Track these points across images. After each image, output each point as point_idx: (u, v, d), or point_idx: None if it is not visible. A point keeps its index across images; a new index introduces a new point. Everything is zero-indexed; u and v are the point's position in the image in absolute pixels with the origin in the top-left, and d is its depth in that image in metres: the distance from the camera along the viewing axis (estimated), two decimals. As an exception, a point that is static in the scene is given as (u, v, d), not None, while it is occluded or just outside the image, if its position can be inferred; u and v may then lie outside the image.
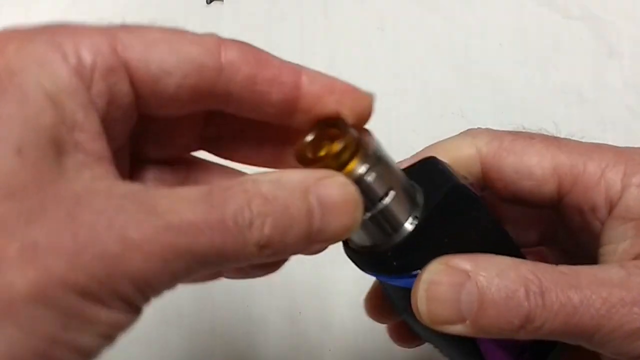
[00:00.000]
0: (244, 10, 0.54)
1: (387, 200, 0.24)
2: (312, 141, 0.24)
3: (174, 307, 0.46)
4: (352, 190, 0.22)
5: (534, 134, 0.28)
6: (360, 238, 0.25)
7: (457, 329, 0.24)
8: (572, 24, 0.52)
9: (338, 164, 0.23)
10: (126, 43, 0.21)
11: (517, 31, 0.52)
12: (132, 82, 0.21)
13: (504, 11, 0.53)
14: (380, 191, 0.24)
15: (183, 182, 0.27)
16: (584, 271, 0.24)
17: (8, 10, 0.55)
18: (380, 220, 0.24)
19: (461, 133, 0.29)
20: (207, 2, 0.54)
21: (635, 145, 0.27)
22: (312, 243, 0.21)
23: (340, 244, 0.26)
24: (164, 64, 0.21)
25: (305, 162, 0.23)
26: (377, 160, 0.24)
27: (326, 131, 0.24)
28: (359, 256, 0.26)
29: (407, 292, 0.25)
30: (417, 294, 0.24)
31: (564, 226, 0.28)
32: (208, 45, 0.22)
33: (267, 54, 0.24)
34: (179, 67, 0.21)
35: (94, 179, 0.19)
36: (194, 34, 0.22)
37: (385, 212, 0.24)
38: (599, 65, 0.51)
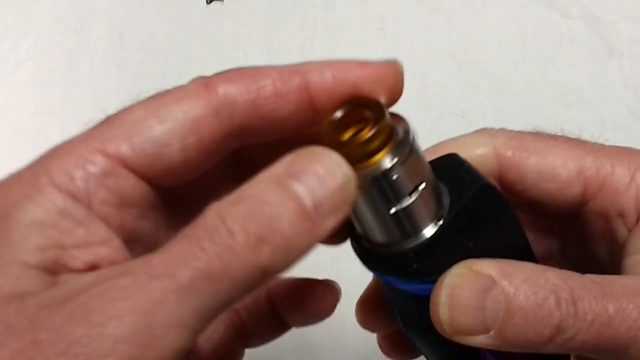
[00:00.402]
0: (244, 10, 0.54)
1: (414, 197, 0.22)
2: (339, 120, 0.21)
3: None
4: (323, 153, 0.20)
5: (555, 135, 0.26)
6: (376, 235, 0.23)
7: (480, 340, 0.22)
8: (572, 24, 0.52)
9: (365, 152, 0.21)
10: (110, 138, 0.20)
11: (517, 31, 0.52)
12: (136, 172, 0.20)
13: (504, 11, 0.53)
14: (407, 187, 0.21)
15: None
16: (616, 280, 0.22)
17: (8, 10, 0.55)
18: (403, 218, 0.22)
19: (477, 130, 0.27)
20: (207, 2, 0.54)
21: (636, 146, 0.27)
22: (315, 222, 0.19)
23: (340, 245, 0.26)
24: (156, 139, 0.20)
25: (327, 143, 0.21)
26: (409, 153, 0.21)
27: (358, 111, 0.21)
28: (371, 255, 0.23)
29: (421, 299, 0.23)
30: (439, 300, 0.22)
31: (579, 236, 0.27)
32: (193, 94, 0.21)
33: (259, 69, 0.22)
34: (173, 133, 0.20)
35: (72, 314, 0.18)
36: (176, 91, 0.21)
37: (410, 210, 0.22)
38: (599, 65, 0.51)
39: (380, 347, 0.31)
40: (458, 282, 0.22)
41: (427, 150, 0.26)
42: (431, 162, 0.23)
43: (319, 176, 0.19)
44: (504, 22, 0.52)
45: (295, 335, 0.45)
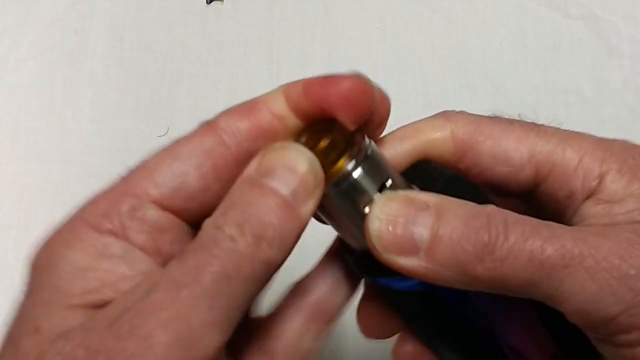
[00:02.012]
0: (244, 10, 0.54)
1: (387, 189, 0.23)
2: (304, 143, 0.24)
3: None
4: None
5: (512, 119, 0.27)
6: (360, 239, 0.24)
7: (410, 262, 0.22)
8: (572, 24, 0.52)
9: (328, 161, 0.23)
10: (136, 182, 0.22)
11: (517, 31, 0.52)
12: (162, 205, 0.22)
13: (504, 11, 0.53)
14: (374, 187, 0.23)
15: None
16: (554, 223, 0.23)
17: (8, 10, 0.55)
18: None
19: (436, 114, 0.27)
20: (207, 2, 0.54)
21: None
22: (297, 209, 0.22)
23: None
24: (176, 171, 0.22)
25: None
26: (369, 158, 0.23)
27: (317, 131, 0.24)
28: (362, 261, 0.25)
29: (418, 295, 0.24)
30: (370, 215, 0.23)
31: (536, 216, 0.27)
32: (200, 134, 0.23)
33: (258, 99, 0.24)
34: (190, 164, 0.22)
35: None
36: (184, 136, 0.23)
37: None
38: (599, 65, 0.51)
39: (361, 327, 0.31)
40: (392, 202, 0.23)
41: (387, 135, 0.27)
42: (402, 172, 0.26)
43: (287, 167, 0.22)
44: (504, 22, 0.52)
45: (295, 335, 0.45)
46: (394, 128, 0.45)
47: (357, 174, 0.23)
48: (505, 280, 0.22)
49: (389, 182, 0.24)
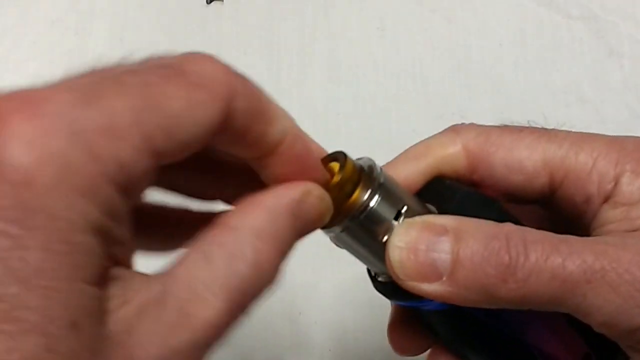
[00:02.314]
0: (244, 10, 0.54)
1: (400, 221, 0.24)
2: None
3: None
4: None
5: (522, 126, 0.27)
6: (384, 269, 0.24)
7: (433, 288, 0.22)
8: (572, 24, 0.52)
9: (344, 194, 0.23)
10: (154, 131, 0.18)
11: (517, 31, 0.52)
12: (155, 159, 0.19)
13: (504, 11, 0.53)
14: (390, 214, 0.24)
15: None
16: (571, 236, 0.23)
17: (8, 10, 0.55)
18: None
19: (445, 130, 0.28)
20: (207, 2, 0.54)
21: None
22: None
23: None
24: (187, 139, 0.19)
25: None
26: (382, 187, 0.24)
27: (327, 163, 0.24)
28: (390, 288, 0.25)
29: (446, 314, 0.24)
30: (391, 244, 0.23)
31: (554, 222, 0.27)
32: (223, 100, 0.20)
33: (268, 102, 0.22)
34: (198, 135, 0.20)
35: (124, 332, 0.18)
36: (210, 85, 0.20)
37: None
38: (599, 65, 0.51)
39: (392, 344, 0.31)
40: (410, 230, 0.23)
41: (399, 156, 0.28)
42: (418, 191, 0.26)
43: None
44: (504, 22, 0.52)
45: (295, 336, 0.45)
46: (394, 127, 0.45)
47: (373, 203, 0.23)
48: (530, 298, 0.22)
49: (405, 209, 0.24)
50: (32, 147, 0.16)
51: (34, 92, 0.17)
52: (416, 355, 0.31)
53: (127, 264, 0.19)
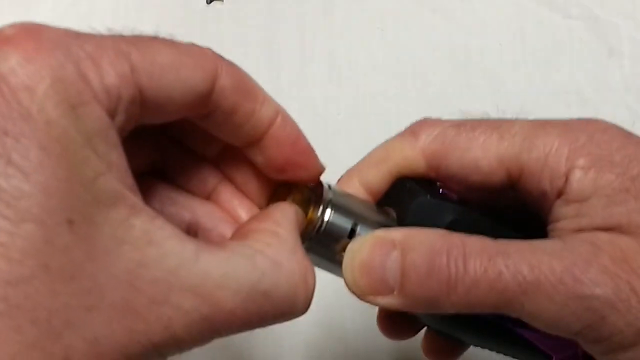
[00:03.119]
0: (244, 10, 0.54)
1: (356, 234, 0.25)
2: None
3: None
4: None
5: (477, 122, 0.27)
6: None
7: (387, 300, 0.23)
8: (572, 24, 0.52)
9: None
10: (140, 68, 0.20)
11: (517, 31, 0.52)
12: (142, 107, 0.21)
13: (504, 11, 0.53)
14: (345, 229, 0.25)
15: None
16: (517, 241, 0.23)
17: (8, 10, 0.55)
18: None
19: (405, 131, 0.28)
20: (207, 2, 0.54)
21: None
22: None
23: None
24: (171, 92, 0.21)
25: None
26: (332, 203, 0.25)
27: (279, 195, 0.26)
28: None
29: None
30: (344, 264, 0.24)
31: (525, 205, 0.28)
32: (209, 72, 0.22)
33: (254, 83, 0.24)
34: (182, 95, 0.21)
35: (141, 238, 0.19)
36: (197, 56, 0.22)
37: None
38: (599, 65, 0.51)
39: (380, 328, 0.32)
40: (362, 247, 0.24)
41: (361, 162, 0.29)
42: (385, 193, 0.28)
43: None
44: (504, 22, 0.52)
45: (295, 336, 0.45)
46: (394, 127, 0.45)
47: (326, 218, 0.25)
48: (473, 307, 0.23)
49: (358, 227, 0.25)
50: (31, 60, 0.18)
51: (33, 23, 0.19)
52: (405, 339, 0.32)
53: (132, 190, 0.20)
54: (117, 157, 0.19)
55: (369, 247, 0.24)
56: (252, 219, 0.25)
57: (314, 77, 0.51)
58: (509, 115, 0.28)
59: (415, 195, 0.26)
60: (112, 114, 0.19)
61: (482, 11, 0.53)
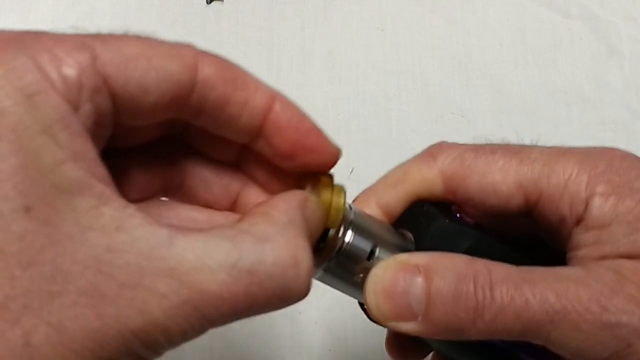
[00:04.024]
0: (244, 10, 0.54)
1: (375, 257, 0.25)
2: None
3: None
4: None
5: (496, 146, 0.27)
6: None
7: (411, 327, 0.23)
8: (572, 24, 0.52)
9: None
10: (104, 58, 0.20)
11: (517, 31, 0.52)
12: (112, 99, 0.20)
13: (504, 11, 0.53)
14: (365, 251, 0.25)
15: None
16: (541, 269, 0.23)
17: (8, 10, 0.55)
18: None
19: (423, 153, 0.28)
20: (207, 2, 0.54)
21: (636, 146, 0.27)
22: None
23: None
24: (143, 82, 0.21)
25: None
26: (353, 224, 0.25)
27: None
28: None
29: None
30: (367, 289, 0.24)
31: (540, 229, 0.28)
32: (186, 60, 0.21)
33: (243, 72, 0.23)
34: (158, 85, 0.21)
35: (110, 225, 0.19)
36: (171, 47, 0.22)
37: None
38: (599, 65, 0.51)
39: (388, 351, 0.32)
40: (384, 272, 0.24)
41: (378, 183, 0.28)
42: (402, 214, 0.27)
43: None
44: (504, 22, 0.52)
45: (295, 335, 0.45)
46: (394, 127, 0.45)
47: (347, 239, 0.24)
48: (499, 335, 0.23)
49: (377, 249, 0.25)
50: None
51: None
52: None
53: (102, 180, 0.19)
54: (83, 146, 0.19)
55: (392, 272, 0.23)
56: (253, 206, 0.24)
57: (314, 77, 0.51)
58: (527, 141, 0.28)
59: (433, 218, 0.26)
60: (74, 103, 0.19)
61: (482, 11, 0.53)
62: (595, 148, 0.26)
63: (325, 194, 0.24)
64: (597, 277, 0.23)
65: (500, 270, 0.23)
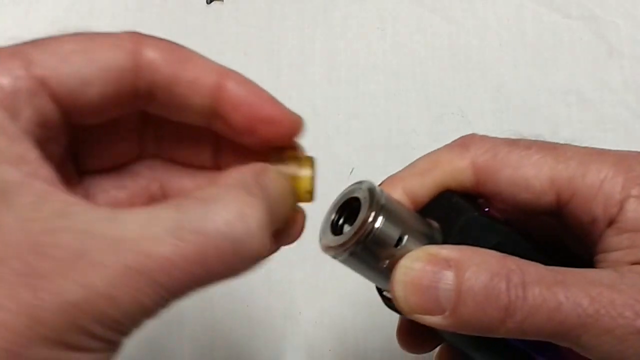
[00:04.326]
0: (244, 10, 0.54)
1: (403, 244, 0.24)
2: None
3: (174, 307, 0.46)
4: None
5: (531, 142, 0.27)
6: (387, 286, 0.25)
7: (437, 320, 0.23)
8: (572, 24, 0.52)
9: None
10: (38, 60, 0.20)
11: (517, 31, 0.52)
12: (54, 99, 0.21)
13: (504, 11, 0.53)
14: (393, 238, 0.24)
15: (139, 193, 0.26)
16: (573, 271, 0.23)
17: (8, 10, 0.55)
18: None
19: (454, 142, 0.28)
20: (207, 2, 0.54)
21: (636, 146, 0.27)
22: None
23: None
24: (82, 75, 0.21)
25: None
26: (384, 208, 0.24)
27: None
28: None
29: None
30: (395, 279, 0.23)
31: (564, 231, 0.28)
32: (126, 47, 0.22)
33: (191, 52, 0.24)
34: (99, 75, 0.21)
35: (50, 215, 0.19)
36: (109, 36, 0.22)
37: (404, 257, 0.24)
38: (599, 65, 0.51)
39: (400, 342, 0.32)
40: (415, 264, 0.23)
41: (407, 169, 0.28)
42: (427, 203, 0.27)
43: None
44: (504, 22, 0.52)
45: (295, 335, 0.45)
46: (394, 127, 0.45)
47: (377, 225, 0.24)
48: (527, 335, 0.22)
49: (406, 236, 0.24)
50: None
51: None
52: (423, 353, 0.32)
53: (46, 180, 0.20)
54: (22, 150, 0.19)
55: (422, 264, 0.23)
56: None
57: (314, 77, 0.51)
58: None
59: (462, 211, 0.26)
60: (11, 110, 0.19)
61: (482, 11, 0.53)
62: (631, 152, 0.26)
63: (292, 166, 0.24)
64: (631, 282, 0.23)
65: (533, 270, 0.23)
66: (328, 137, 0.49)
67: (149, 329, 0.51)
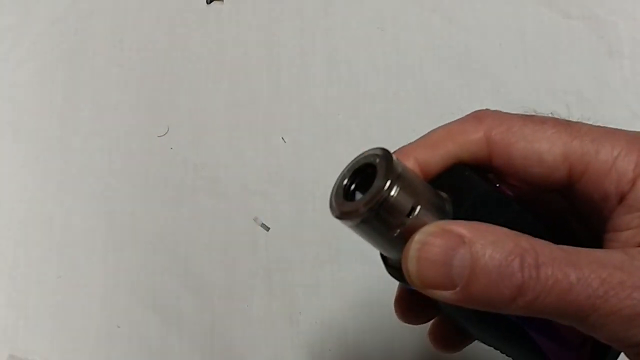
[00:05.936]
0: (244, 10, 0.54)
1: (415, 214, 0.24)
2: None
3: (174, 307, 0.46)
4: None
5: (545, 117, 0.27)
6: (395, 255, 0.25)
7: (447, 295, 0.23)
8: (572, 24, 0.52)
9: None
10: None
11: (517, 31, 0.52)
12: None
13: (504, 11, 0.53)
14: (406, 207, 0.24)
15: None
16: (584, 251, 0.23)
17: (8, 10, 0.55)
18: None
19: (468, 116, 0.28)
20: (207, 2, 0.54)
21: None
22: None
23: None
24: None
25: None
26: (400, 177, 0.24)
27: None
28: (401, 274, 0.25)
29: None
30: (408, 254, 0.23)
31: (574, 209, 0.28)
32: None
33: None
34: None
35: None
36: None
37: (415, 227, 0.24)
38: (599, 65, 0.51)
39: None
40: (429, 239, 0.23)
41: (420, 140, 0.28)
42: (438, 175, 0.27)
43: None
44: (504, 22, 0.52)
45: (295, 336, 0.45)
46: (394, 127, 0.45)
47: (393, 193, 0.23)
48: (536, 312, 0.23)
49: (419, 207, 0.24)
50: None
51: None
52: (419, 324, 0.32)
53: None
54: None
55: (436, 240, 0.23)
56: None
57: (314, 77, 0.51)
58: (575, 119, 0.28)
59: (475, 185, 0.26)
60: None
61: (482, 11, 0.53)
62: None
63: None
64: None
65: (546, 250, 0.23)
66: (328, 137, 0.49)
67: (149, 328, 0.51)
